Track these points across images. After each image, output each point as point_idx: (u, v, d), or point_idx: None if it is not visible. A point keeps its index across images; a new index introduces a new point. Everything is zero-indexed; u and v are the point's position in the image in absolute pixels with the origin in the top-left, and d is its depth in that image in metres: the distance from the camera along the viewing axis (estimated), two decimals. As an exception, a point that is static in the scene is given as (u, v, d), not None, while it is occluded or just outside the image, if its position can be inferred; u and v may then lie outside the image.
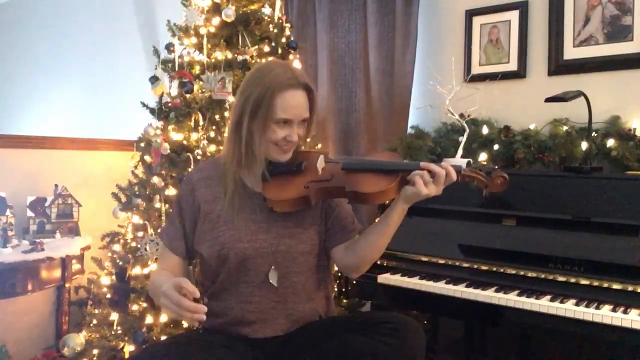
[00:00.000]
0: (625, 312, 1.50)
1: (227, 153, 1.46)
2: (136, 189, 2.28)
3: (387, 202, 1.55)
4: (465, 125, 2.31)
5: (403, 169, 1.39)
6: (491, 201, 1.92)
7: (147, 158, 2.27)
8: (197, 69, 2.28)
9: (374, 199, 1.39)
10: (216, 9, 2.29)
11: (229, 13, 2.21)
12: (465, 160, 2.28)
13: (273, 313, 1.44)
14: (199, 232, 1.47)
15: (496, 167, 2.33)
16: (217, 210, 1.45)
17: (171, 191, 2.14)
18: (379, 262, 1.94)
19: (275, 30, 2.37)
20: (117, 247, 2.29)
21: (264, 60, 2.28)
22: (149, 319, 2.03)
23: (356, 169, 1.43)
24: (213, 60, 2.25)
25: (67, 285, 2.47)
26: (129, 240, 2.24)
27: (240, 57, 2.26)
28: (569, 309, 1.55)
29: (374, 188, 1.36)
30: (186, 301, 1.18)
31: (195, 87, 2.23)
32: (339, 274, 2.09)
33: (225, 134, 1.62)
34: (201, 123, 2.22)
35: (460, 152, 2.31)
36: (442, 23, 2.70)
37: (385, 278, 1.90)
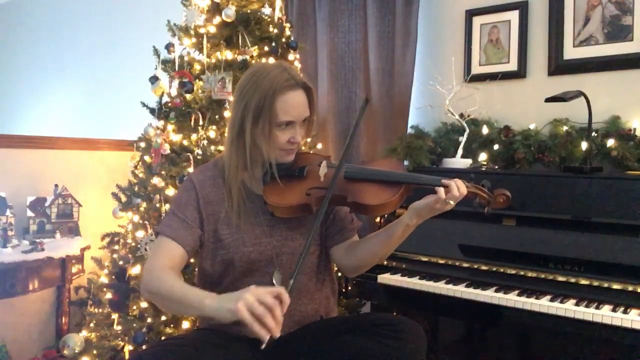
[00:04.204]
0: (625, 312, 1.50)
1: (229, 159, 1.44)
2: (136, 189, 2.28)
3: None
4: (465, 125, 2.31)
5: (407, 181, 1.37)
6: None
7: (147, 158, 2.26)
8: (197, 69, 2.28)
9: (376, 210, 1.37)
10: (216, 9, 2.29)
11: (229, 13, 2.21)
12: (466, 160, 2.28)
13: (275, 313, 1.45)
14: (205, 237, 1.46)
15: (496, 167, 2.33)
16: (220, 212, 1.45)
17: (171, 191, 2.14)
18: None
19: (275, 30, 2.37)
20: (117, 247, 2.29)
21: (264, 60, 2.28)
22: (149, 319, 2.03)
23: (359, 178, 1.41)
24: (213, 60, 2.25)
25: (67, 285, 2.47)
26: (129, 240, 2.24)
27: (240, 57, 2.26)
28: (569, 309, 1.55)
29: (376, 200, 1.35)
30: (279, 310, 1.12)
31: (195, 87, 2.23)
32: (339, 274, 2.09)
33: (226, 134, 1.61)
34: (201, 123, 2.22)
35: (460, 152, 2.31)
36: (442, 23, 2.70)
37: (385, 278, 1.90)
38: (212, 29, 2.27)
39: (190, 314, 1.29)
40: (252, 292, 1.14)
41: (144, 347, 1.95)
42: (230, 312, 1.14)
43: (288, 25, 2.47)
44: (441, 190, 1.31)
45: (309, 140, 2.28)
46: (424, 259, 1.94)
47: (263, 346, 1.11)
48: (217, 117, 2.22)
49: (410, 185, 1.38)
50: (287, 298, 1.14)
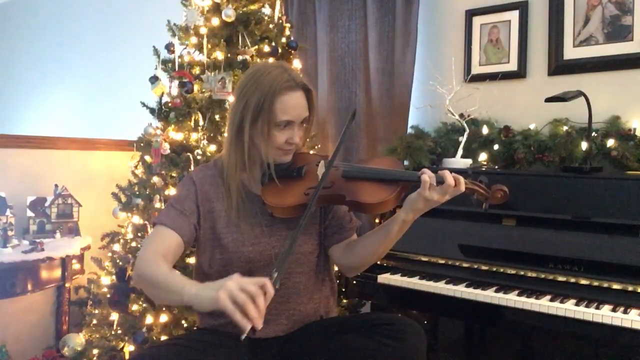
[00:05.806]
0: (625, 312, 1.50)
1: (228, 158, 1.44)
2: (136, 189, 2.27)
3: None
4: (465, 125, 2.31)
5: (405, 179, 1.37)
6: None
7: (147, 158, 2.26)
8: (197, 69, 2.28)
9: (374, 209, 1.37)
10: (216, 9, 2.29)
11: (229, 13, 2.21)
12: (466, 160, 2.28)
13: (274, 313, 1.44)
14: (202, 233, 1.46)
15: (496, 167, 2.33)
16: (219, 210, 1.45)
17: (171, 191, 2.14)
18: (378, 262, 1.94)
19: (275, 30, 2.36)
20: (117, 247, 2.29)
21: (263, 60, 2.28)
22: (149, 319, 2.03)
23: (357, 177, 1.41)
24: (213, 60, 2.25)
25: (67, 285, 2.47)
26: (129, 240, 2.24)
27: (240, 57, 2.26)
28: (569, 309, 1.55)
29: (375, 198, 1.35)
30: (262, 299, 1.08)
31: (195, 87, 2.23)
32: (339, 274, 2.09)
33: (225, 134, 1.62)
34: (201, 123, 2.22)
35: (460, 152, 2.31)
36: (442, 23, 2.70)
37: (385, 278, 1.90)
38: (212, 29, 2.27)
39: (172, 302, 1.24)
40: (234, 280, 1.10)
41: (144, 347, 1.95)
42: (210, 300, 1.10)
43: (288, 25, 2.46)
44: (425, 176, 1.29)
45: (308, 140, 2.28)
46: (424, 259, 1.94)
47: (243, 337, 1.06)
48: (217, 117, 2.22)
49: (409, 183, 1.38)
50: (271, 289, 1.10)
